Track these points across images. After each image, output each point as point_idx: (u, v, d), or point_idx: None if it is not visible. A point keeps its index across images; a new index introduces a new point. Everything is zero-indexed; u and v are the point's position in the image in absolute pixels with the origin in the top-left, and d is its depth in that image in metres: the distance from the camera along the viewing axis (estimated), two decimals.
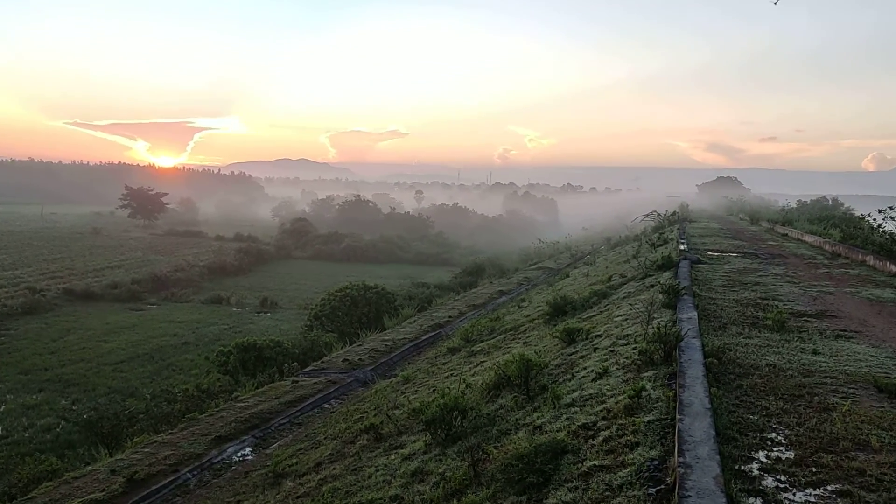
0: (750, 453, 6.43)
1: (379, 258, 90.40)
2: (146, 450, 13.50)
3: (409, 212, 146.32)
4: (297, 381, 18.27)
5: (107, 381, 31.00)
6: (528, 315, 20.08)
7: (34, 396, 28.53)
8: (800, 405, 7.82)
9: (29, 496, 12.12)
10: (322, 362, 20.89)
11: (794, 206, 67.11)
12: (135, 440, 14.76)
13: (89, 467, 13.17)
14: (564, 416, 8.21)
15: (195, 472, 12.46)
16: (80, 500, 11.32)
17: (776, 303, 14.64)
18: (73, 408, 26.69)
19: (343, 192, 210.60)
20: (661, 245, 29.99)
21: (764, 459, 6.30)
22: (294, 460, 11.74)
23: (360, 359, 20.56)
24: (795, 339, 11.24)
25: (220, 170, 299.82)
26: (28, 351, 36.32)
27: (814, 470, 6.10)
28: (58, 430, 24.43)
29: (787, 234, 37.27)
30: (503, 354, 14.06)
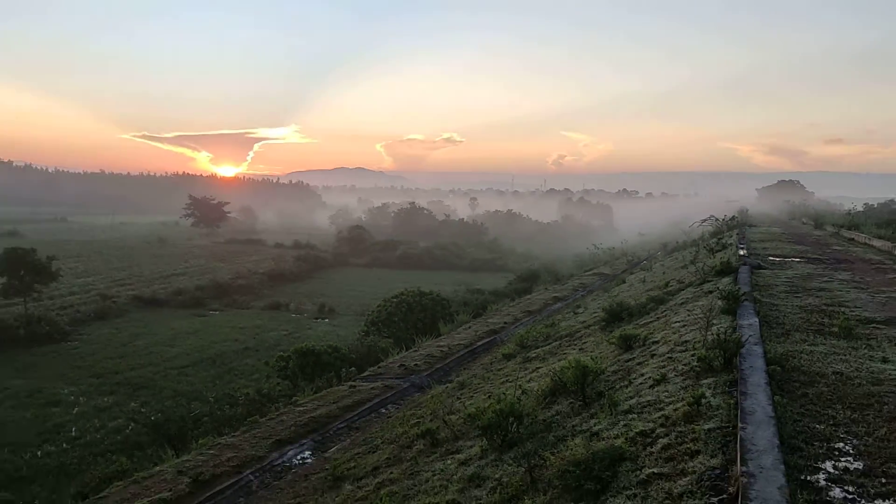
0: (816, 463, 6.21)
1: (434, 265, 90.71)
2: (210, 451, 13.82)
3: (463, 219, 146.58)
4: (354, 386, 18.46)
5: (173, 385, 31.88)
6: (584, 321, 19.86)
7: (105, 399, 29.53)
8: (868, 414, 7.53)
9: (101, 495, 12.54)
10: (379, 367, 21.06)
11: (861, 209, 64.75)
12: (199, 442, 15.11)
13: (157, 468, 13.55)
14: (622, 422, 8.08)
15: (257, 474, 12.70)
16: (148, 499, 11.66)
17: (842, 309, 14.13)
18: (142, 410, 27.50)
19: (398, 199, 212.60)
20: (720, 250, 29.31)
21: (831, 470, 6.08)
22: (352, 464, 11.85)
23: (416, 364, 20.65)
24: (863, 346, 10.83)
25: (279, 179, 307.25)
26: (100, 355, 37.63)
27: (883, 481, 5.86)
28: (127, 431, 25.21)
29: (853, 239, 36.00)
30: (559, 361, 13.93)
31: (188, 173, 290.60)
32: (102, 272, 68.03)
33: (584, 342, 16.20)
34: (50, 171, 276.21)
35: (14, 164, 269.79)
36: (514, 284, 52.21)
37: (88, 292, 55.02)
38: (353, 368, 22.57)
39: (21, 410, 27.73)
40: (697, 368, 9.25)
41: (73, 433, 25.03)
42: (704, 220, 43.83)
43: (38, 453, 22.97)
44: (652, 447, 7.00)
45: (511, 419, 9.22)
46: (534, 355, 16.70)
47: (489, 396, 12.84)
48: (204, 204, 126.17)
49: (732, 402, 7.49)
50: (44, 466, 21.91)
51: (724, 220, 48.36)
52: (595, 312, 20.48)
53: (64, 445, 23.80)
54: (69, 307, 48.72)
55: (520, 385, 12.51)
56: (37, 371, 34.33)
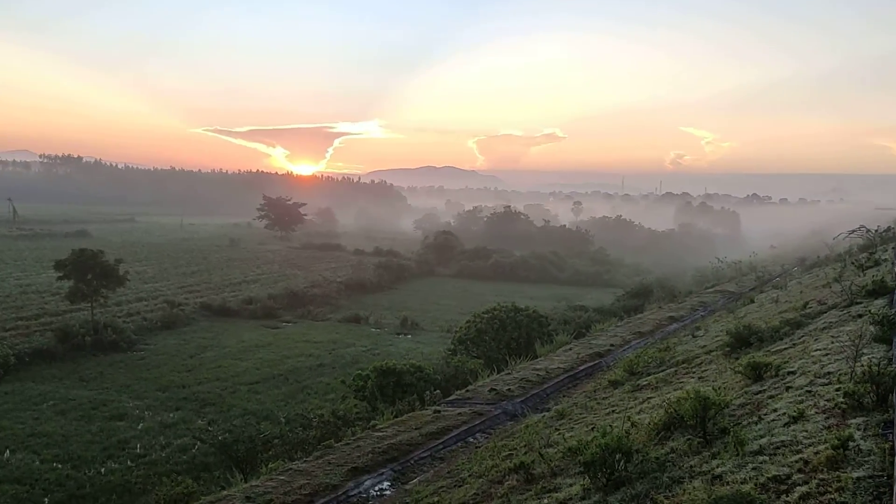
0: None
1: (531, 277, 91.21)
2: (281, 477, 14.19)
3: (565, 225, 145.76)
4: (439, 411, 18.56)
5: (242, 402, 33.00)
6: (705, 346, 19.35)
7: (171, 415, 30.88)
8: None
9: None
10: (467, 391, 21.11)
11: None
12: (270, 466, 15.57)
13: (224, 492, 14.02)
14: (750, 465, 7.81)
15: None
16: None
17: None
18: (209, 429, 28.60)
19: (492, 202, 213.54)
20: (872, 267, 27.92)
21: None
22: (435, 498, 11.91)
23: (508, 389, 20.60)
24: None
25: (359, 178, 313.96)
26: (166, 367, 39.39)
27: None
28: (194, 450, 26.27)
29: None
30: (674, 390, 13.61)
31: (262, 171, 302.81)
32: (170, 277, 71.34)
33: (705, 370, 15.78)
34: (120, 167, 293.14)
35: (84, 160, 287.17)
36: (623, 301, 51.46)
37: (156, 298, 57.72)
38: (437, 391, 22.72)
39: (86, 423, 29.32)
40: (843, 405, 8.83)
41: (138, 450, 26.27)
42: (853, 232, 41.89)
43: (102, 470, 24.23)
44: (787, 496, 6.73)
45: (618, 455, 9.05)
46: (645, 383, 16.38)
47: (592, 428, 12.67)
48: (279, 204, 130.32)
49: (887, 446, 7.11)
50: (107, 484, 23.10)
51: (876, 231, 46.08)
52: (717, 336, 19.92)
53: (128, 463, 25.02)
54: (136, 314, 51.26)
55: (628, 417, 12.28)
56: (103, 381, 36.23)
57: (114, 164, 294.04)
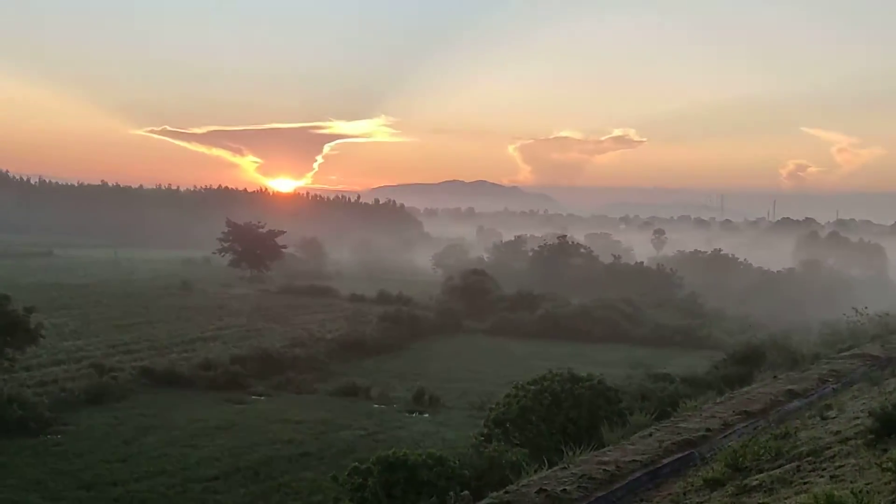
0: None
1: (595, 333, 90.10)
2: None
3: (642, 262, 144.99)
4: None
5: None
6: (839, 432, 19.18)
7: None
8: None
9: None
10: (506, 493, 20.97)
11: None
12: None
13: None
14: None
15: None
16: None
17: None
18: None
19: (540, 230, 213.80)
20: None
21: None
22: None
23: (564, 490, 20.45)
24: None
25: (359, 196, 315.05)
26: (92, 457, 39.41)
27: None
28: None
29: None
30: (798, 494, 13.49)
31: (227, 187, 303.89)
32: (100, 332, 71.57)
33: (840, 466, 15.64)
34: (32, 182, 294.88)
35: None
36: (724, 369, 50.81)
37: (79, 362, 57.94)
38: (465, 492, 22.55)
39: None
40: None
41: None
42: None
43: None
44: None
45: None
46: (755, 483, 16.25)
47: None
48: (248, 233, 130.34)
49: None
50: None
51: None
52: (857, 418, 19.73)
53: None
54: (52, 383, 51.39)
55: None
56: (5, 476, 36.26)
57: (23, 178, 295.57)
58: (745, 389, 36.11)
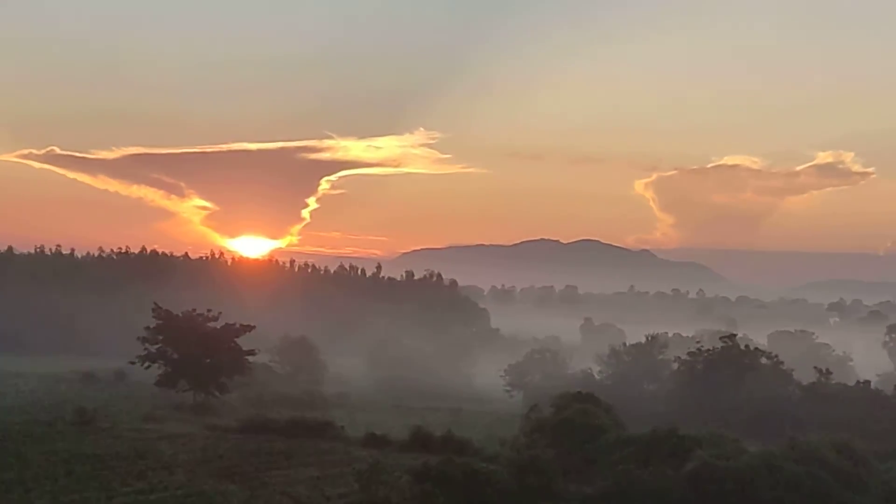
0: None
1: (784, 502, 64.18)
2: None
3: (869, 381, 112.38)
4: None
5: None
6: None
7: None
8: None
9: None
10: None
11: None
12: None
13: None
14: None
15: None
16: None
17: None
18: None
19: (691, 325, 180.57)
20: None
21: None
22: None
23: None
24: None
25: (380, 267, 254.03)
26: None
27: None
28: None
29: None
30: None
31: (155, 250, 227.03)
32: None
33: None
34: None
35: None
36: None
37: None
38: None
39: None
40: None
41: None
42: None
43: None
44: None
45: None
46: None
47: None
48: (191, 328, 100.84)
49: None
50: None
51: None
52: None
53: None
54: None
55: None
56: None
57: None
58: None
